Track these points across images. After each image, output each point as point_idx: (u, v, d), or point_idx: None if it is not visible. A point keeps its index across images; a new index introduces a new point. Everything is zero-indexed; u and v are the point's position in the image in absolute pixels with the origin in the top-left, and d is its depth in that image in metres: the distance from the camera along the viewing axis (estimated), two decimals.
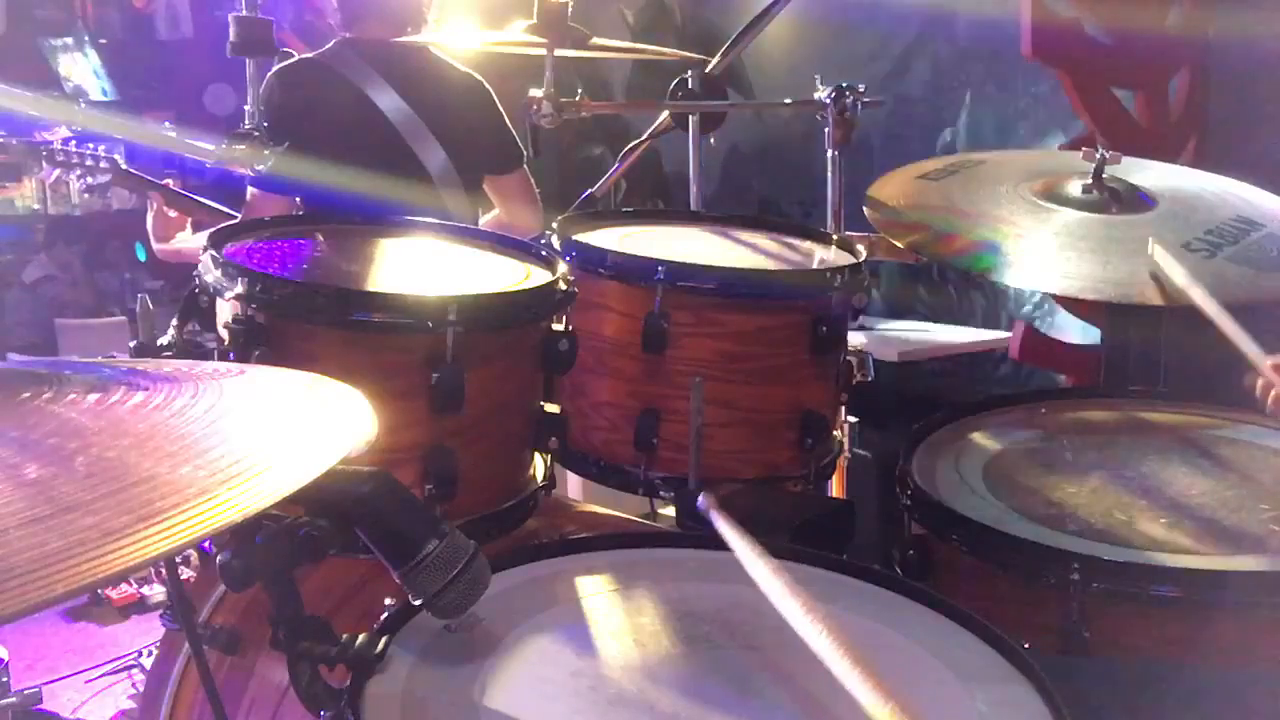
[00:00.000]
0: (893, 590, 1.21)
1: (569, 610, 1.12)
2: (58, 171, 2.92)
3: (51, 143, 2.90)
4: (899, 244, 1.71)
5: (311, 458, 0.74)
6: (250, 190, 2.49)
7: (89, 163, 2.87)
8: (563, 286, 1.45)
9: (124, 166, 2.91)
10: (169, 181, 2.79)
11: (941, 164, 1.88)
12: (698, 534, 1.34)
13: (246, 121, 2.02)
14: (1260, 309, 1.43)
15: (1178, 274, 1.44)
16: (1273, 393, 1.31)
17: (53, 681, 3.26)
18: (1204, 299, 1.40)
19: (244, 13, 2.02)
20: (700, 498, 1.25)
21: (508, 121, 2.68)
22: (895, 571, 1.45)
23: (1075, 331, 3.27)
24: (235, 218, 2.59)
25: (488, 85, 2.70)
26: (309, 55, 2.61)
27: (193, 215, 2.77)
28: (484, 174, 2.70)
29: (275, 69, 2.49)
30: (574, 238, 1.64)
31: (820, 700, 0.97)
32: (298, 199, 2.44)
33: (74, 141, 2.92)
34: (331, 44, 2.65)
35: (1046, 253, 1.58)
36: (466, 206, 2.64)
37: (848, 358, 1.71)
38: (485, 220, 2.75)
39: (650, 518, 1.94)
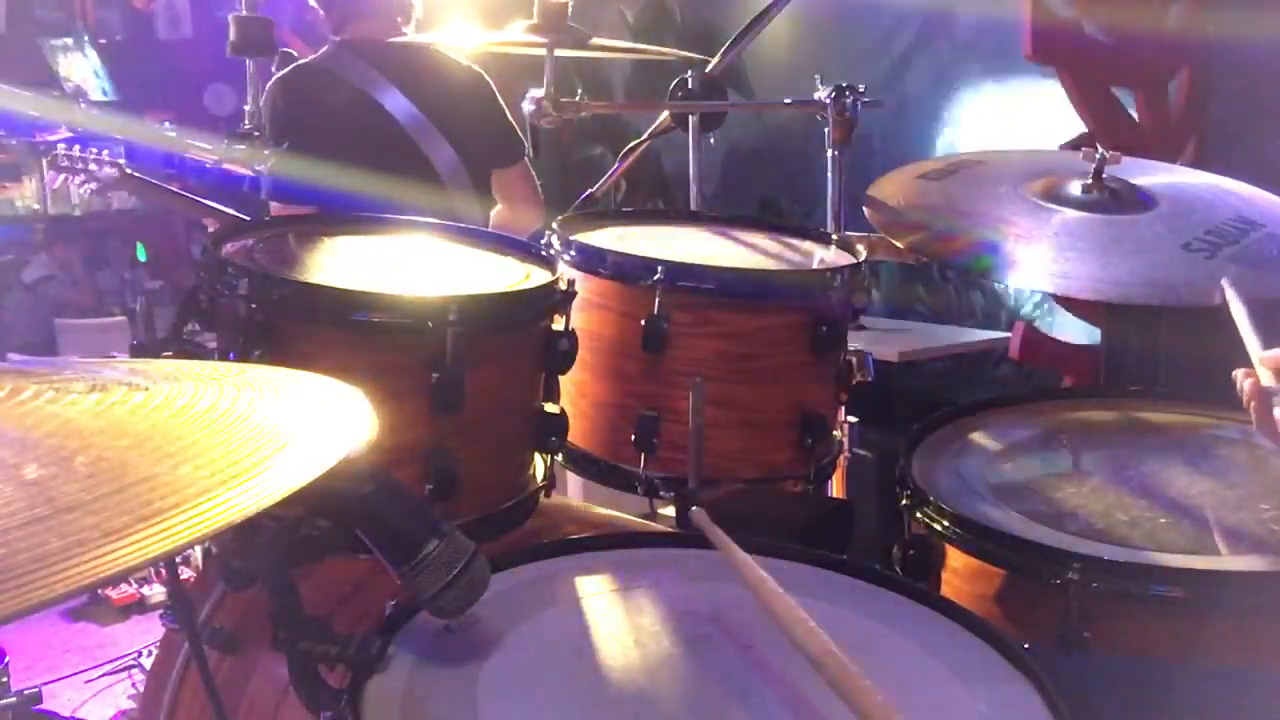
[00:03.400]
0: (893, 590, 1.21)
1: (569, 610, 1.12)
2: (63, 177, 2.92)
3: (53, 143, 2.91)
4: (899, 244, 1.71)
5: (311, 458, 0.74)
6: (272, 205, 2.50)
7: (92, 167, 2.87)
8: (563, 286, 1.46)
9: (128, 170, 2.91)
10: (174, 188, 2.79)
11: (941, 164, 1.88)
12: (698, 534, 1.34)
13: (247, 121, 2.02)
14: (1260, 309, 1.43)
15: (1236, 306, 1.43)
16: (1249, 382, 1.30)
17: (53, 681, 3.26)
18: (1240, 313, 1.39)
19: (244, 13, 2.02)
20: (692, 511, 1.24)
21: (508, 114, 2.68)
22: (895, 571, 1.45)
23: (1075, 331, 3.27)
24: (239, 218, 2.60)
25: (488, 77, 2.69)
26: (306, 61, 2.60)
27: (196, 217, 2.77)
28: (490, 168, 2.69)
29: (276, 78, 2.48)
30: (574, 238, 1.64)
31: (819, 700, 0.97)
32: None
33: (78, 146, 2.92)
34: (327, 47, 2.64)
35: (1046, 253, 1.58)
36: (476, 206, 2.63)
37: (848, 358, 1.71)
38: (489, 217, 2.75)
39: (650, 518, 1.94)
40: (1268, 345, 1.31)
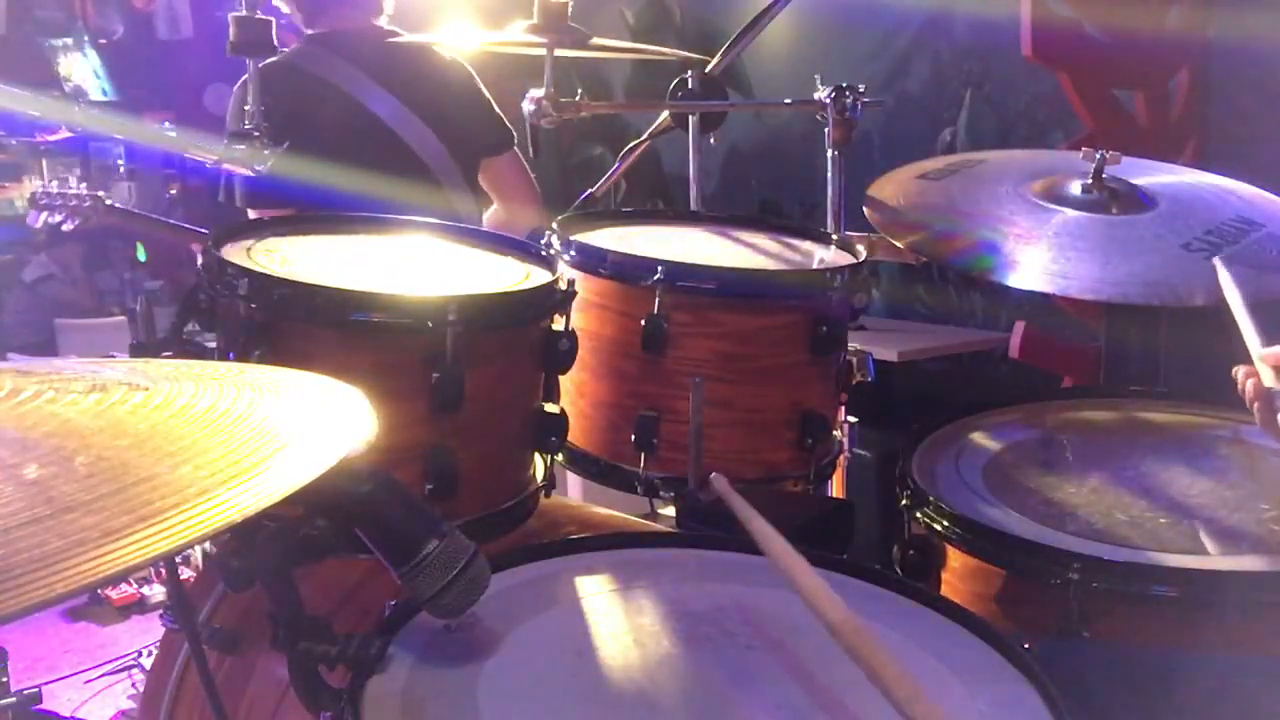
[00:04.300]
0: (893, 590, 1.21)
1: (569, 610, 1.12)
2: (44, 215, 2.88)
3: (52, 144, 2.91)
4: (899, 244, 1.71)
5: (311, 458, 0.74)
6: (250, 213, 2.46)
7: (73, 204, 2.84)
8: (563, 286, 1.46)
9: (108, 203, 2.88)
10: (172, 189, 2.78)
11: (941, 164, 1.88)
12: (698, 534, 1.34)
13: (247, 121, 2.01)
14: (1260, 309, 1.43)
15: (1230, 289, 1.43)
16: (1250, 382, 1.29)
17: (53, 681, 3.26)
18: (1237, 305, 1.39)
19: (244, 13, 2.01)
20: (713, 476, 1.25)
21: (493, 102, 2.65)
22: (895, 571, 1.45)
23: (1075, 331, 3.27)
24: None
25: (468, 65, 2.65)
26: (276, 59, 2.49)
27: (181, 242, 2.74)
28: (479, 158, 2.64)
29: (245, 78, 2.38)
30: (573, 238, 1.64)
31: (820, 699, 0.97)
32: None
33: (55, 182, 2.91)
34: (297, 44, 2.57)
35: (1046, 253, 1.58)
36: (470, 199, 2.60)
37: (848, 358, 1.71)
38: (485, 218, 2.72)
39: (650, 518, 1.94)
40: (1267, 340, 1.31)
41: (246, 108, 2.01)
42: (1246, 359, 1.31)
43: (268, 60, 2.41)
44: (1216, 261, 1.46)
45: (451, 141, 2.55)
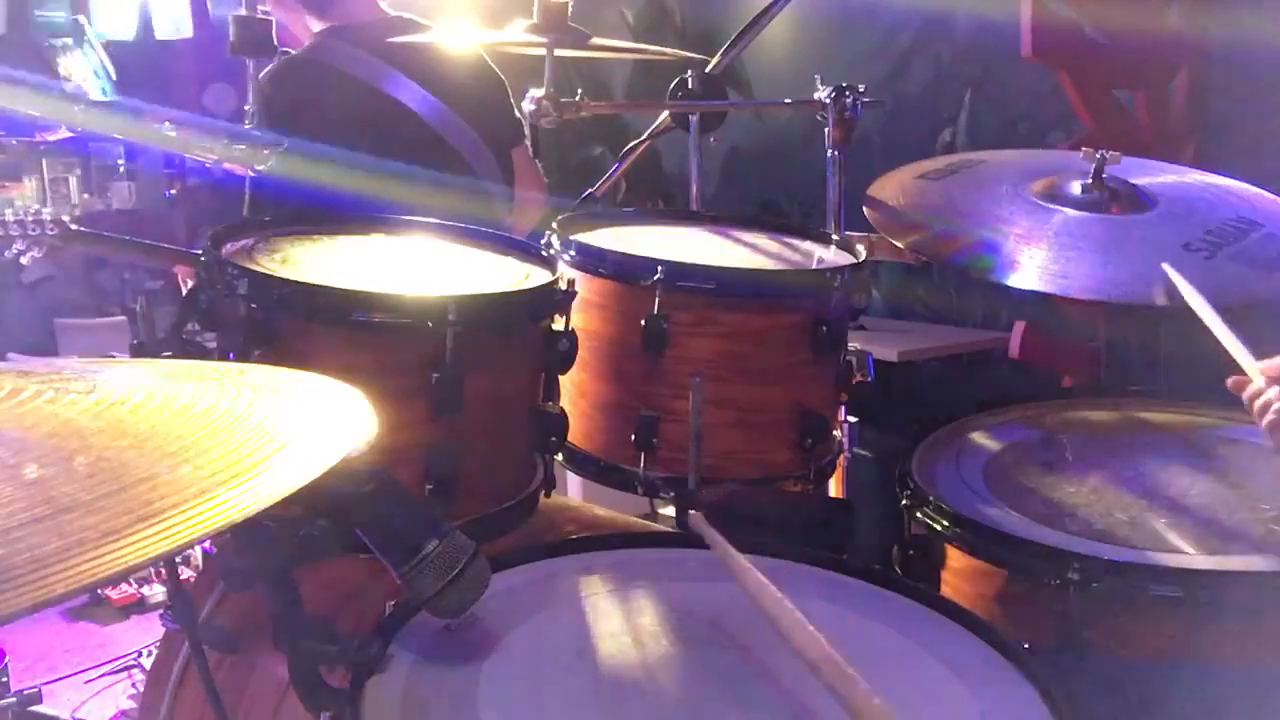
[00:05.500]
0: (893, 590, 1.21)
1: (569, 610, 1.12)
2: None
3: (52, 144, 2.87)
4: (899, 244, 1.71)
5: (311, 458, 0.74)
6: None
7: (32, 231, 2.78)
8: (563, 286, 1.46)
9: (73, 226, 2.83)
10: (173, 189, 2.74)
11: (941, 164, 1.88)
12: (697, 534, 1.34)
13: (247, 121, 2.01)
14: (1260, 309, 1.43)
15: (1187, 291, 1.43)
16: (1258, 401, 1.29)
17: (53, 681, 3.26)
18: (1206, 312, 1.39)
19: (244, 12, 2.01)
20: (690, 515, 1.24)
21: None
22: (895, 571, 1.45)
23: (1075, 331, 3.27)
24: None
25: (485, 55, 2.61)
26: (296, 55, 2.44)
27: (152, 261, 2.69)
28: (509, 150, 2.57)
29: (265, 73, 2.34)
30: (574, 238, 1.64)
31: (818, 700, 0.97)
32: None
33: (10, 210, 2.85)
34: (314, 39, 2.50)
35: (1046, 253, 1.58)
36: (507, 202, 2.53)
37: (848, 358, 1.71)
38: None
39: (650, 518, 1.94)
40: (1256, 348, 1.29)
41: (247, 108, 2.00)
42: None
43: (287, 56, 2.37)
44: (1168, 268, 1.46)
45: (489, 138, 2.49)
